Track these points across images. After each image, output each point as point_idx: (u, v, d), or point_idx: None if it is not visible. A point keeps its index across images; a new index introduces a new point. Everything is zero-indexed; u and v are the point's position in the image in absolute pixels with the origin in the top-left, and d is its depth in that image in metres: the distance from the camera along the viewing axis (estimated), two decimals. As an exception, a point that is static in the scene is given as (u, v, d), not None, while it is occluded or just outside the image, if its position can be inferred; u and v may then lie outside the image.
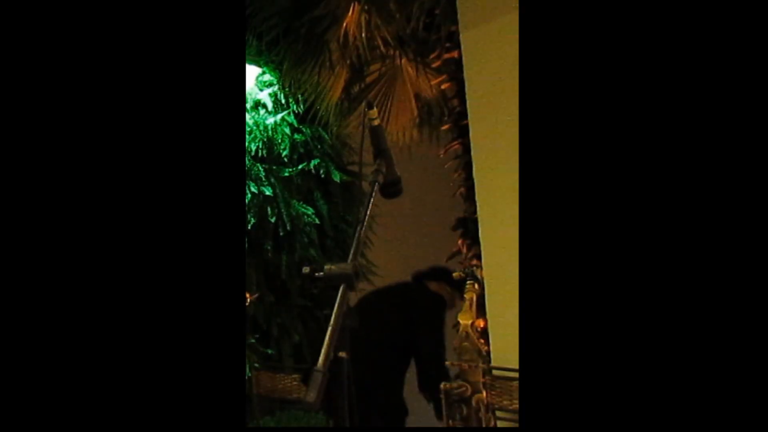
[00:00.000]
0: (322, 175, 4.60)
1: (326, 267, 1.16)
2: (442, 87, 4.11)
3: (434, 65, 4.14)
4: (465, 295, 1.80)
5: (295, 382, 3.27)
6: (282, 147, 4.53)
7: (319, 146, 4.66)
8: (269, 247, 4.35)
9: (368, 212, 1.33)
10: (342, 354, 1.13)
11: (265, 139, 4.48)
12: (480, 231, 2.97)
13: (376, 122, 1.41)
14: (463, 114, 3.34)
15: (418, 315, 2.98)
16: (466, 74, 3.04)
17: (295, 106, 4.56)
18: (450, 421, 1.71)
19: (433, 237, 3.95)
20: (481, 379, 1.72)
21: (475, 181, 2.97)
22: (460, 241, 3.82)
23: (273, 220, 4.32)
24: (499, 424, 2.40)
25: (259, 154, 4.43)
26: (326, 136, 4.65)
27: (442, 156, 4.05)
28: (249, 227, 4.27)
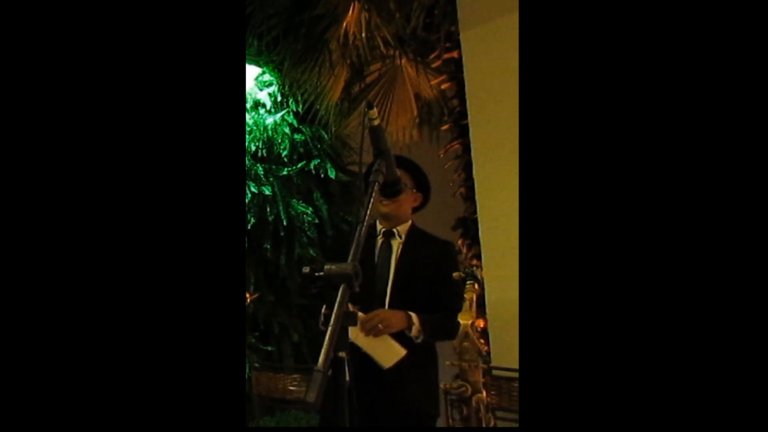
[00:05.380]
0: (322, 175, 4.60)
1: (326, 267, 1.16)
2: (442, 87, 4.11)
3: (434, 65, 4.14)
4: (465, 295, 1.80)
5: (295, 382, 3.27)
6: (282, 147, 4.53)
7: (318, 146, 4.66)
8: (269, 247, 4.35)
9: (368, 212, 1.33)
10: (342, 354, 1.13)
11: (264, 139, 4.49)
12: (480, 231, 2.97)
13: (376, 122, 1.41)
14: (463, 114, 3.34)
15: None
16: (466, 74, 3.04)
17: (294, 106, 4.57)
18: (450, 421, 1.70)
19: (433, 237, 3.94)
20: (481, 379, 1.71)
21: (475, 181, 2.97)
22: (460, 241, 3.83)
23: (272, 218, 4.32)
24: (499, 424, 2.40)
25: (259, 154, 4.43)
26: (326, 136, 4.66)
27: (442, 156, 4.05)
28: (249, 227, 4.27)
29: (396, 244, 2.36)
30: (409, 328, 2.20)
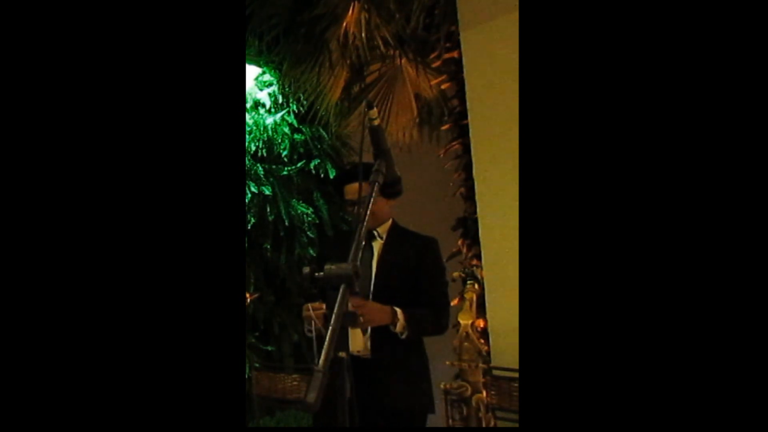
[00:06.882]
0: (322, 175, 4.61)
1: (326, 267, 1.16)
2: (442, 87, 4.11)
3: (434, 65, 4.15)
4: (465, 295, 1.80)
5: (295, 382, 3.27)
6: (282, 147, 4.54)
7: (318, 146, 4.67)
8: (269, 247, 4.36)
9: (368, 212, 1.33)
10: (342, 354, 1.13)
11: (264, 139, 4.49)
12: (480, 231, 2.97)
13: (376, 122, 1.42)
14: (463, 114, 3.34)
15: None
16: (466, 74, 3.04)
17: (294, 106, 4.57)
18: (450, 421, 1.71)
19: (433, 237, 3.95)
20: (481, 379, 1.72)
21: (475, 181, 2.97)
22: (460, 241, 3.83)
23: (272, 218, 4.33)
24: (499, 424, 2.39)
25: (259, 154, 4.44)
26: (326, 136, 4.67)
27: (442, 156, 4.05)
28: (249, 227, 4.28)
29: (377, 246, 2.34)
30: (394, 324, 2.19)
